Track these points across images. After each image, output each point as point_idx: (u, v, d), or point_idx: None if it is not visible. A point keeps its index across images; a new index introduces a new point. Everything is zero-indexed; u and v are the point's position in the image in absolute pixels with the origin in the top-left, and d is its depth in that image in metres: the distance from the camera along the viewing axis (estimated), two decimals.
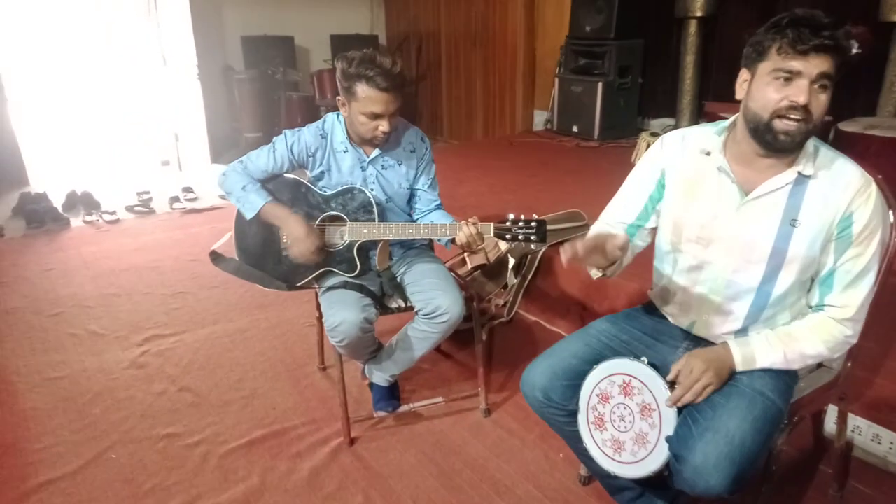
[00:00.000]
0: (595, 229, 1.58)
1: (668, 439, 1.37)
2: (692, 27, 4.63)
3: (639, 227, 1.58)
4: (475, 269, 3.04)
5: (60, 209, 4.52)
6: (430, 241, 2.27)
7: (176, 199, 4.82)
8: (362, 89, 1.84)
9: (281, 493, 1.90)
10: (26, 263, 3.66)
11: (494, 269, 3.01)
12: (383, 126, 1.89)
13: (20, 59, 5.67)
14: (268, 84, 6.27)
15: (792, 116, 1.25)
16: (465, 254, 3.11)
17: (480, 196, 3.78)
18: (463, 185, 4.00)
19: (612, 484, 1.70)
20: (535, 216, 1.88)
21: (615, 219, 1.59)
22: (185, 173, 5.86)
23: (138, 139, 6.41)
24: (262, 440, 2.13)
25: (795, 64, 1.22)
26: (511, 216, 1.87)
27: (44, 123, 5.78)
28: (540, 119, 5.97)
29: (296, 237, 1.94)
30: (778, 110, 1.26)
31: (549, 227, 3.06)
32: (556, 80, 5.45)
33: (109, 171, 5.72)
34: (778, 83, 1.25)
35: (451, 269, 2.80)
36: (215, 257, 2.07)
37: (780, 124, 1.27)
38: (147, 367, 2.58)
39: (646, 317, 1.65)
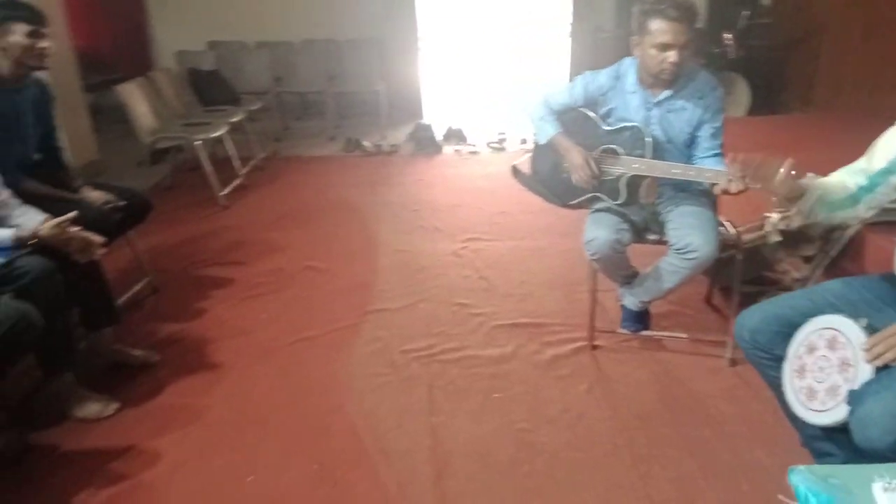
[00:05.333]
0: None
1: (850, 392, 1.38)
2: None
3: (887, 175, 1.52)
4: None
5: (439, 139, 5.68)
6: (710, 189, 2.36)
7: (524, 140, 5.57)
8: (654, 23, 2.05)
9: (524, 362, 2.37)
10: (407, 174, 4.84)
11: (793, 238, 2.87)
12: (672, 57, 2.05)
13: (436, 18, 7.09)
14: (628, 43, 6.52)
15: None
16: (769, 218, 3.03)
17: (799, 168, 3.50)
18: (795, 154, 3.73)
19: (818, 447, 1.70)
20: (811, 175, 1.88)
21: (853, 167, 1.56)
22: None
23: (511, 89, 7.41)
24: (524, 326, 2.62)
25: None
26: (792, 172, 1.91)
27: (440, 71, 7.18)
28: None
29: (575, 166, 2.28)
30: None
31: None
32: None
33: (481, 113, 6.81)
34: None
35: (746, 231, 2.82)
36: (515, 171, 2.58)
37: None
38: (462, 257, 3.30)
39: (885, 282, 1.58)
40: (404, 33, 6.55)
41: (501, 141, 5.63)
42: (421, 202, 4.18)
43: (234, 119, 4.62)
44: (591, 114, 2.31)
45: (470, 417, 2.08)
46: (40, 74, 2.43)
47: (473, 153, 5.41)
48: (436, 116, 6.40)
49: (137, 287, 2.88)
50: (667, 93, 2.20)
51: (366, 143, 5.54)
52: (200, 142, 4.07)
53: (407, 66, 6.55)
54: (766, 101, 6.25)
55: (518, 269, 3.16)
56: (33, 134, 2.46)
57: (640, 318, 2.48)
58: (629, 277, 2.43)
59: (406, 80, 6.57)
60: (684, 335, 2.46)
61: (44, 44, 2.27)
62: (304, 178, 4.81)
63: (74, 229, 1.99)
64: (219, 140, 4.41)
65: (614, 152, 2.25)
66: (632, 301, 2.45)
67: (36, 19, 2.25)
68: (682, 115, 2.22)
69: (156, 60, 6.81)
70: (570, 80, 2.39)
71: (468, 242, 3.49)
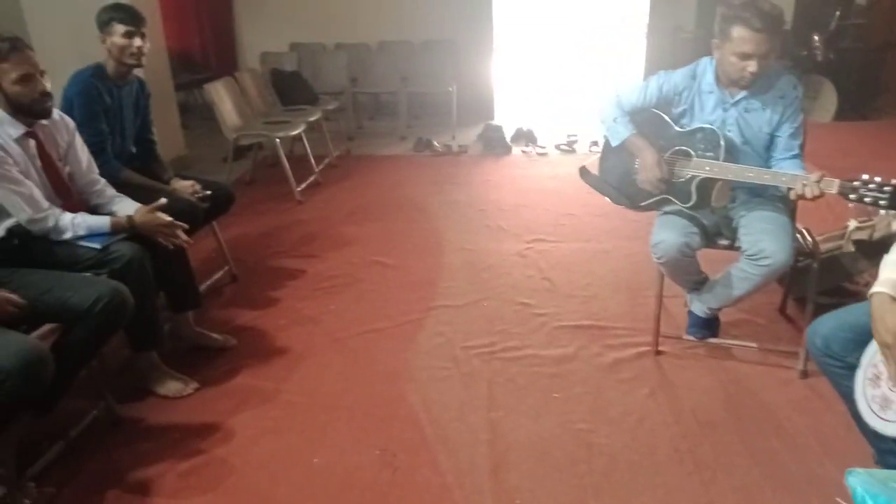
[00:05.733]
0: None
1: None
2: None
3: None
4: (856, 241, 2.81)
5: (508, 140, 5.70)
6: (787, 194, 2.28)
7: (595, 143, 5.51)
8: (737, 30, 1.99)
9: (585, 364, 2.37)
10: (475, 174, 4.90)
11: (875, 249, 2.73)
12: (752, 67, 2.00)
13: (511, 19, 7.13)
14: (709, 44, 6.33)
15: None
16: (848, 227, 2.89)
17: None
18: (882, 161, 3.55)
19: (894, 462, 1.63)
20: (893, 181, 1.80)
21: None
22: None
23: (583, 90, 7.35)
24: (587, 328, 2.61)
25: None
26: (864, 176, 1.84)
27: (513, 72, 7.20)
28: None
29: (645, 165, 2.25)
30: None
31: None
32: None
33: (552, 115, 6.78)
34: None
35: (826, 240, 2.71)
36: (583, 171, 2.57)
37: None
38: (527, 258, 3.32)
39: None
40: (479, 35, 6.61)
41: (571, 143, 5.59)
42: (488, 202, 4.21)
43: (312, 118, 4.80)
44: (665, 115, 2.28)
45: (529, 415, 2.10)
46: (137, 72, 2.63)
47: (542, 154, 5.40)
48: (506, 117, 6.42)
49: (218, 275, 3.06)
50: (744, 92, 2.14)
51: (436, 144, 5.62)
52: (280, 140, 4.25)
53: (480, 67, 6.60)
54: (857, 106, 5.94)
55: (582, 270, 3.14)
56: (132, 127, 2.67)
57: (708, 325, 2.42)
58: (698, 283, 2.38)
59: (478, 81, 6.62)
60: (754, 345, 2.39)
61: (138, 43, 2.45)
62: (375, 176, 4.94)
63: (163, 217, 2.15)
64: (297, 138, 4.59)
65: (687, 154, 2.21)
66: (699, 307, 2.40)
67: (132, 20, 2.44)
68: (762, 115, 2.16)
69: (241, 61, 7.16)
70: (644, 80, 2.37)
71: (533, 243, 3.49)
